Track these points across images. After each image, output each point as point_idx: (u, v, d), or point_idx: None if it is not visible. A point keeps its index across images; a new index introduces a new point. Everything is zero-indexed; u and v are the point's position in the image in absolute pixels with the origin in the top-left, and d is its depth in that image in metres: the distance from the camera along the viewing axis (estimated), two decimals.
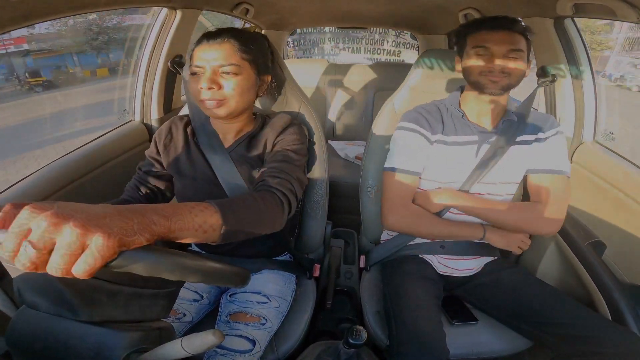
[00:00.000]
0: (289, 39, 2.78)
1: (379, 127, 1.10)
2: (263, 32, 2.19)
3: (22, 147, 5.62)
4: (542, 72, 1.16)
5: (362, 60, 3.12)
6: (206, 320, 0.90)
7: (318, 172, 1.00)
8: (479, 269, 1.01)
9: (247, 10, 1.50)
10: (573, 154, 1.14)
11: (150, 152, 0.88)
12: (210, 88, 0.71)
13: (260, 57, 0.77)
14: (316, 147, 0.99)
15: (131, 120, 1.32)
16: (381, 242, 1.14)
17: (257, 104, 1.00)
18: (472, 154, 0.93)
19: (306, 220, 1.04)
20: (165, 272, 0.40)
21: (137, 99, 1.30)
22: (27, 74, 9.05)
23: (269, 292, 0.87)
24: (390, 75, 2.22)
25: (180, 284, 0.53)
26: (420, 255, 1.02)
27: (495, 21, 0.84)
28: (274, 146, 0.82)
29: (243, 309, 0.82)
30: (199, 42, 0.74)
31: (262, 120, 0.87)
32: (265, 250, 0.95)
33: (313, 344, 0.82)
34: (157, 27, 1.24)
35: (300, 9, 1.79)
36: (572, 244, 1.02)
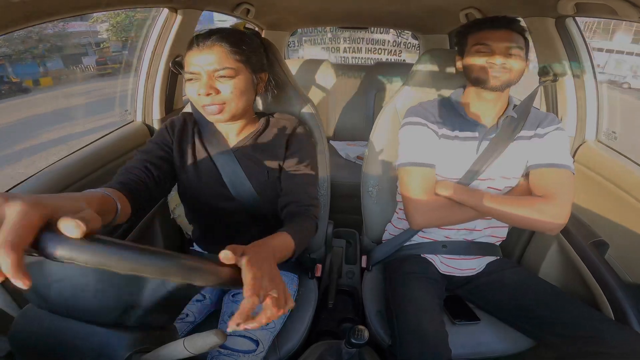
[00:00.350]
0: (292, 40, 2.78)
1: (380, 127, 1.10)
2: (264, 32, 2.20)
3: None
4: (543, 72, 1.16)
5: (363, 60, 3.12)
6: (209, 320, 0.90)
7: (320, 172, 1.00)
8: (481, 269, 1.01)
9: (248, 10, 1.50)
10: (575, 153, 1.14)
11: (161, 139, 0.82)
12: (208, 94, 0.70)
13: (254, 56, 0.76)
14: (318, 147, 0.99)
15: (133, 121, 1.32)
16: (383, 241, 1.14)
17: (260, 104, 1.00)
18: (473, 149, 0.93)
19: None
20: (169, 275, 0.40)
21: (138, 100, 1.30)
22: None
23: None
24: (392, 74, 2.22)
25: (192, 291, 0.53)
26: (422, 255, 1.02)
27: (495, 21, 0.87)
28: (289, 155, 0.83)
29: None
30: (189, 46, 0.73)
31: (265, 119, 0.87)
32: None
33: (315, 343, 0.82)
34: (158, 28, 1.24)
35: (301, 9, 1.78)
36: (575, 244, 1.02)
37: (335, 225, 1.18)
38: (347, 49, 3.08)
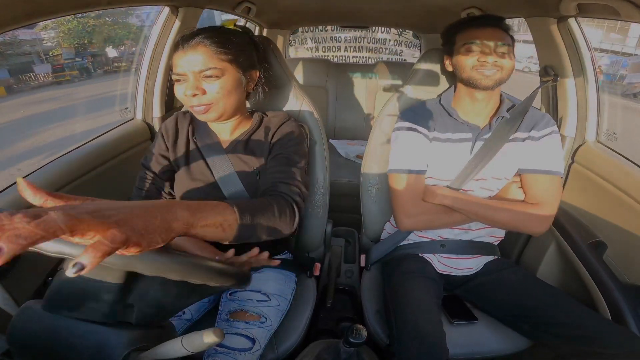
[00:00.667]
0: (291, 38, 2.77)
1: (380, 126, 1.10)
2: (265, 31, 2.19)
3: None
4: (544, 72, 1.16)
5: (363, 59, 3.11)
6: (206, 318, 0.90)
7: (319, 171, 1.00)
8: (479, 269, 1.01)
9: (249, 9, 1.50)
10: (575, 154, 1.13)
11: (158, 149, 0.85)
12: (194, 95, 0.70)
13: (242, 54, 0.75)
14: (317, 146, 0.99)
15: (133, 119, 1.33)
16: (381, 240, 1.14)
17: (258, 103, 1.00)
18: (467, 151, 0.94)
19: (307, 219, 1.04)
20: (166, 271, 0.40)
21: (138, 97, 1.30)
22: None
23: (269, 291, 0.88)
24: (392, 74, 2.22)
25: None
26: (420, 255, 1.02)
27: (482, 19, 0.88)
28: (273, 146, 0.81)
29: (243, 307, 0.82)
30: (175, 48, 0.73)
31: (259, 118, 0.86)
32: (265, 249, 0.95)
33: (313, 342, 0.82)
34: (159, 26, 1.24)
35: (303, 8, 1.78)
36: (573, 244, 1.02)
37: (335, 224, 1.18)
38: (348, 48, 3.08)
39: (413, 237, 1.05)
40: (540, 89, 1.07)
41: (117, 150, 1.16)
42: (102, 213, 0.34)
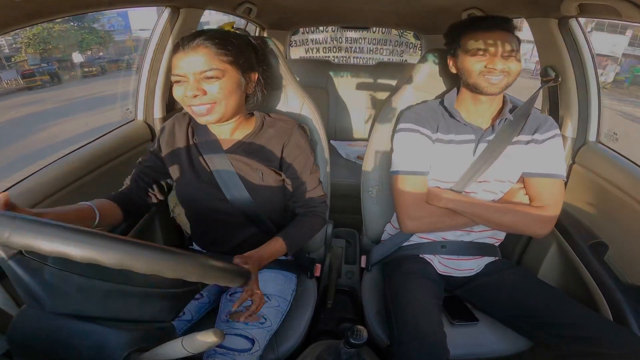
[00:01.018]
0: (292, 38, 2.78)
1: (381, 127, 1.09)
2: (265, 32, 2.19)
3: None
4: (545, 73, 1.15)
5: (364, 60, 3.11)
6: (206, 319, 0.90)
7: (320, 172, 1.00)
8: (480, 269, 1.01)
9: (250, 9, 1.50)
10: (576, 155, 1.13)
11: (154, 148, 0.89)
12: (195, 95, 0.70)
13: (241, 56, 0.76)
14: (318, 147, 0.99)
15: (134, 119, 1.33)
16: (382, 241, 1.14)
17: (258, 104, 1.00)
18: (470, 152, 0.93)
19: None
20: (167, 270, 0.40)
21: (140, 98, 1.30)
22: None
23: (269, 292, 0.88)
24: (393, 75, 2.21)
25: (195, 286, 0.54)
26: (420, 255, 1.02)
27: (491, 21, 0.85)
28: (288, 159, 0.84)
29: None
30: (175, 49, 0.73)
31: (261, 119, 0.86)
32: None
33: (314, 343, 0.82)
34: (160, 27, 1.24)
35: (304, 9, 1.78)
36: (574, 245, 1.02)
37: (335, 225, 1.17)
38: (349, 49, 3.08)
39: (414, 238, 1.04)
40: (541, 90, 1.07)
41: (118, 151, 1.16)
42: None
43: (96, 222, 0.72)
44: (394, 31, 2.88)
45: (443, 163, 0.94)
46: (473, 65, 0.85)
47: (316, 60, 2.76)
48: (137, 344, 0.44)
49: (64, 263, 0.42)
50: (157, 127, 1.34)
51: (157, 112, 1.33)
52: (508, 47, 0.82)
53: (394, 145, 0.98)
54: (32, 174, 0.91)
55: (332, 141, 2.18)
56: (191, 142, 0.85)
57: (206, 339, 0.43)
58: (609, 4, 0.82)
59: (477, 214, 0.91)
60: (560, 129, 1.16)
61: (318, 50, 3.05)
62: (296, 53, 2.90)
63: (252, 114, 0.88)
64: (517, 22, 1.01)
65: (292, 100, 0.99)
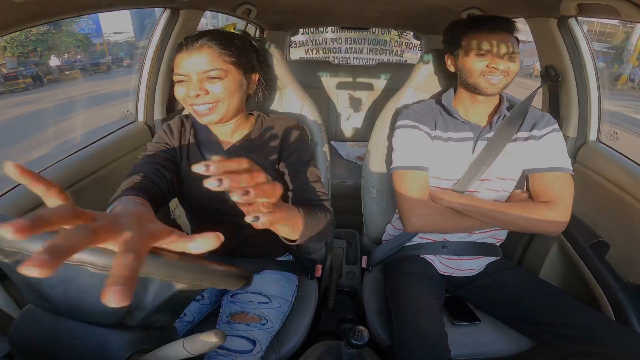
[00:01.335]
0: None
1: (381, 127, 1.10)
2: (265, 32, 2.20)
3: None
4: (545, 72, 1.15)
5: (364, 61, 3.12)
6: (207, 320, 0.90)
7: (320, 172, 1.00)
8: (481, 269, 1.01)
9: (250, 11, 1.50)
10: (577, 154, 1.13)
11: (163, 142, 0.81)
12: (198, 95, 0.70)
13: (244, 56, 0.76)
14: (318, 148, 0.99)
15: (134, 121, 1.33)
16: (382, 242, 1.14)
17: (259, 104, 1.00)
18: (469, 150, 0.94)
19: None
20: (165, 273, 0.40)
21: (140, 100, 1.30)
22: None
23: (270, 293, 0.87)
24: (393, 75, 2.22)
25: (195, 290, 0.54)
26: (421, 256, 1.02)
27: (494, 22, 0.85)
28: (289, 153, 0.81)
29: (244, 309, 0.82)
30: (178, 49, 0.73)
31: (260, 119, 0.86)
32: (266, 251, 0.95)
33: (315, 344, 0.82)
34: (160, 28, 1.25)
35: (303, 10, 1.78)
36: (576, 244, 1.02)
37: (336, 225, 1.17)
38: (349, 49, 3.09)
39: (415, 239, 1.04)
40: (541, 89, 1.07)
41: (119, 152, 1.17)
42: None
43: None
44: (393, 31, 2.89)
45: (442, 161, 0.94)
46: (475, 64, 0.85)
47: (316, 61, 2.76)
48: (138, 346, 0.44)
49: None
50: (157, 128, 1.34)
51: (158, 113, 1.33)
52: (510, 49, 0.83)
53: (393, 142, 0.98)
54: None
55: (332, 142, 2.18)
56: (193, 143, 0.85)
57: (207, 340, 0.43)
58: (608, 4, 0.82)
59: (483, 214, 0.89)
60: (561, 128, 1.15)
61: (318, 51, 3.06)
62: (296, 54, 2.91)
63: (251, 114, 0.88)
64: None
65: (293, 101, 0.99)
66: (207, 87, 0.71)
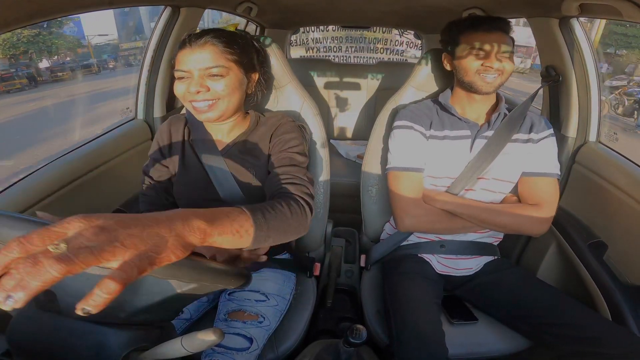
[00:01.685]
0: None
1: (381, 126, 1.10)
2: (266, 31, 2.19)
3: None
4: (546, 72, 1.15)
5: (364, 59, 3.11)
6: (205, 318, 0.90)
7: (320, 171, 1.00)
8: (479, 269, 1.01)
9: (250, 9, 1.50)
10: (576, 154, 1.13)
11: (155, 155, 0.86)
12: (198, 92, 0.71)
13: (245, 56, 0.77)
14: (318, 146, 0.99)
15: (134, 118, 1.33)
16: (381, 240, 1.14)
17: (259, 103, 1.00)
18: (466, 148, 0.94)
19: None
20: (159, 271, 0.40)
21: (140, 97, 1.30)
22: None
23: (268, 291, 0.88)
24: (393, 74, 2.21)
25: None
26: (419, 255, 1.02)
27: (491, 23, 0.87)
28: (273, 147, 0.81)
29: (241, 307, 0.82)
30: (181, 46, 0.73)
31: (256, 118, 0.86)
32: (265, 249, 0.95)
33: (313, 342, 0.82)
34: (160, 26, 1.24)
35: (304, 8, 1.78)
36: (574, 244, 1.02)
37: (335, 224, 1.18)
38: (349, 48, 3.10)
39: (413, 238, 1.04)
40: (541, 89, 1.07)
41: (118, 150, 1.17)
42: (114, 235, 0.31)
43: None
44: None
45: (438, 159, 0.95)
46: (470, 63, 0.87)
47: (316, 60, 2.75)
48: (136, 344, 0.44)
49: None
50: (157, 126, 1.34)
51: (157, 111, 1.33)
52: (505, 48, 0.85)
53: (390, 142, 1.00)
54: (30, 174, 0.91)
55: (332, 140, 2.18)
56: (187, 143, 0.85)
57: (206, 338, 0.43)
58: (610, 4, 0.82)
59: (473, 215, 0.92)
60: (561, 128, 1.16)
61: (319, 49, 3.06)
62: (296, 52, 2.91)
63: (247, 113, 0.88)
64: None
65: (292, 99, 0.99)
66: (208, 83, 0.72)
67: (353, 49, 3.10)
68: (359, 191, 1.17)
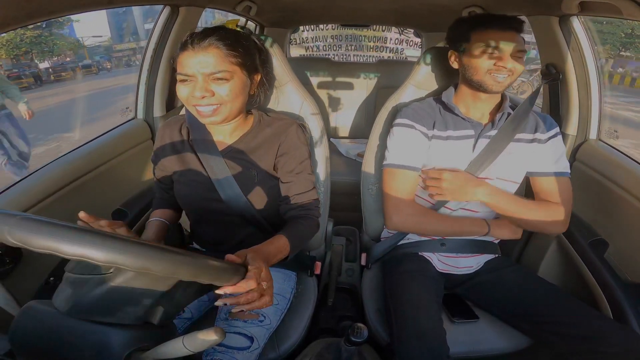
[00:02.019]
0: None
1: (381, 124, 1.09)
2: (265, 30, 2.19)
3: None
4: (546, 70, 1.15)
5: (364, 58, 3.11)
6: (206, 317, 0.91)
7: (320, 170, 1.00)
8: (479, 267, 1.01)
9: (250, 7, 1.49)
10: (577, 152, 1.13)
11: (156, 158, 0.88)
12: (203, 97, 0.70)
13: (249, 57, 0.76)
14: (318, 145, 0.99)
15: (134, 118, 1.33)
16: (381, 239, 1.14)
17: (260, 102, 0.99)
18: (469, 148, 0.93)
19: None
20: (158, 268, 0.40)
21: (139, 97, 1.30)
22: None
23: None
24: (393, 72, 2.21)
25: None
26: (420, 253, 1.02)
27: (504, 21, 0.85)
28: (282, 161, 0.83)
29: (241, 306, 0.82)
30: (183, 47, 0.71)
31: (258, 118, 0.86)
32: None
33: (314, 341, 0.82)
34: (160, 25, 1.24)
35: (304, 7, 1.77)
36: (574, 242, 1.02)
37: (336, 222, 1.17)
38: (349, 47, 3.09)
39: (413, 236, 1.04)
40: (542, 87, 1.06)
41: (118, 149, 1.16)
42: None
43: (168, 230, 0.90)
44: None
45: (442, 159, 0.94)
46: (482, 62, 0.84)
47: (316, 58, 2.75)
48: (138, 343, 0.44)
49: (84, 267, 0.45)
50: (157, 125, 1.34)
51: (157, 110, 1.33)
52: (518, 48, 0.83)
53: (389, 139, 0.99)
54: (30, 174, 0.91)
55: (332, 139, 2.18)
56: (187, 144, 0.85)
57: (207, 337, 0.44)
58: (610, 2, 0.81)
59: (504, 209, 0.91)
60: (561, 126, 1.16)
61: (318, 48, 3.06)
62: (296, 51, 2.91)
63: (250, 113, 0.88)
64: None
65: (293, 98, 0.99)
66: (212, 88, 0.71)
67: (353, 47, 3.10)
68: (359, 189, 1.17)
